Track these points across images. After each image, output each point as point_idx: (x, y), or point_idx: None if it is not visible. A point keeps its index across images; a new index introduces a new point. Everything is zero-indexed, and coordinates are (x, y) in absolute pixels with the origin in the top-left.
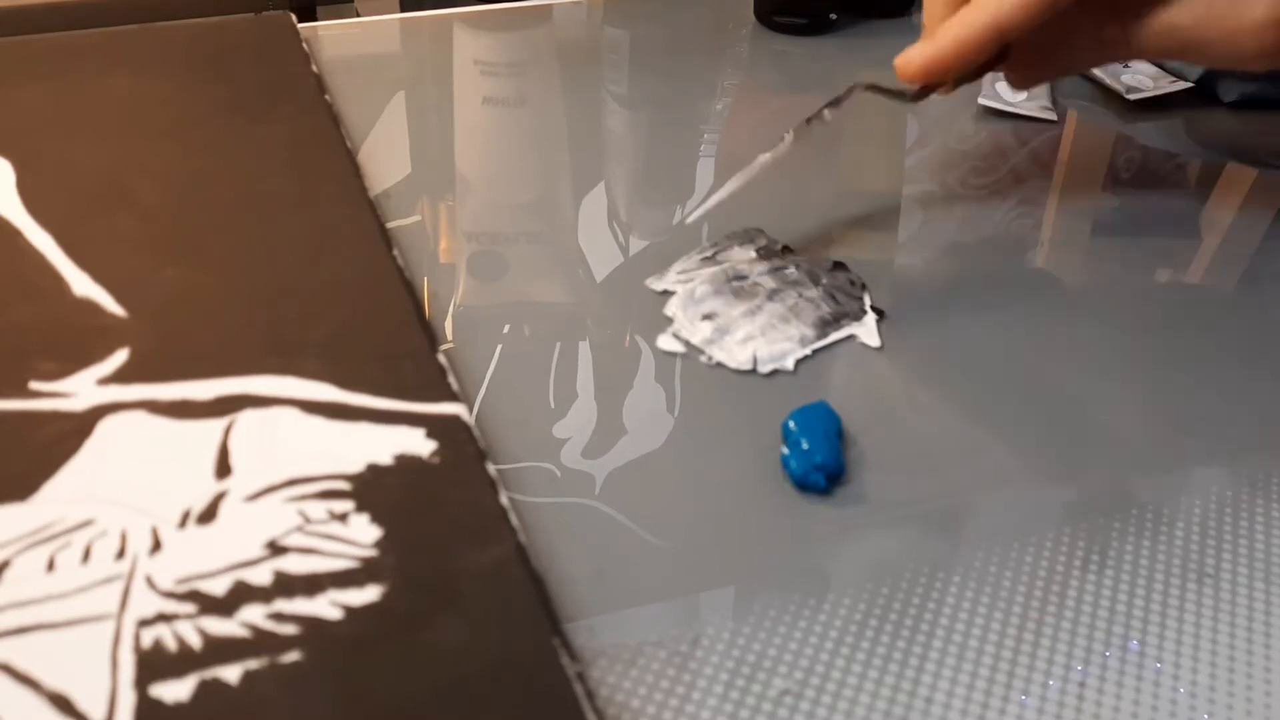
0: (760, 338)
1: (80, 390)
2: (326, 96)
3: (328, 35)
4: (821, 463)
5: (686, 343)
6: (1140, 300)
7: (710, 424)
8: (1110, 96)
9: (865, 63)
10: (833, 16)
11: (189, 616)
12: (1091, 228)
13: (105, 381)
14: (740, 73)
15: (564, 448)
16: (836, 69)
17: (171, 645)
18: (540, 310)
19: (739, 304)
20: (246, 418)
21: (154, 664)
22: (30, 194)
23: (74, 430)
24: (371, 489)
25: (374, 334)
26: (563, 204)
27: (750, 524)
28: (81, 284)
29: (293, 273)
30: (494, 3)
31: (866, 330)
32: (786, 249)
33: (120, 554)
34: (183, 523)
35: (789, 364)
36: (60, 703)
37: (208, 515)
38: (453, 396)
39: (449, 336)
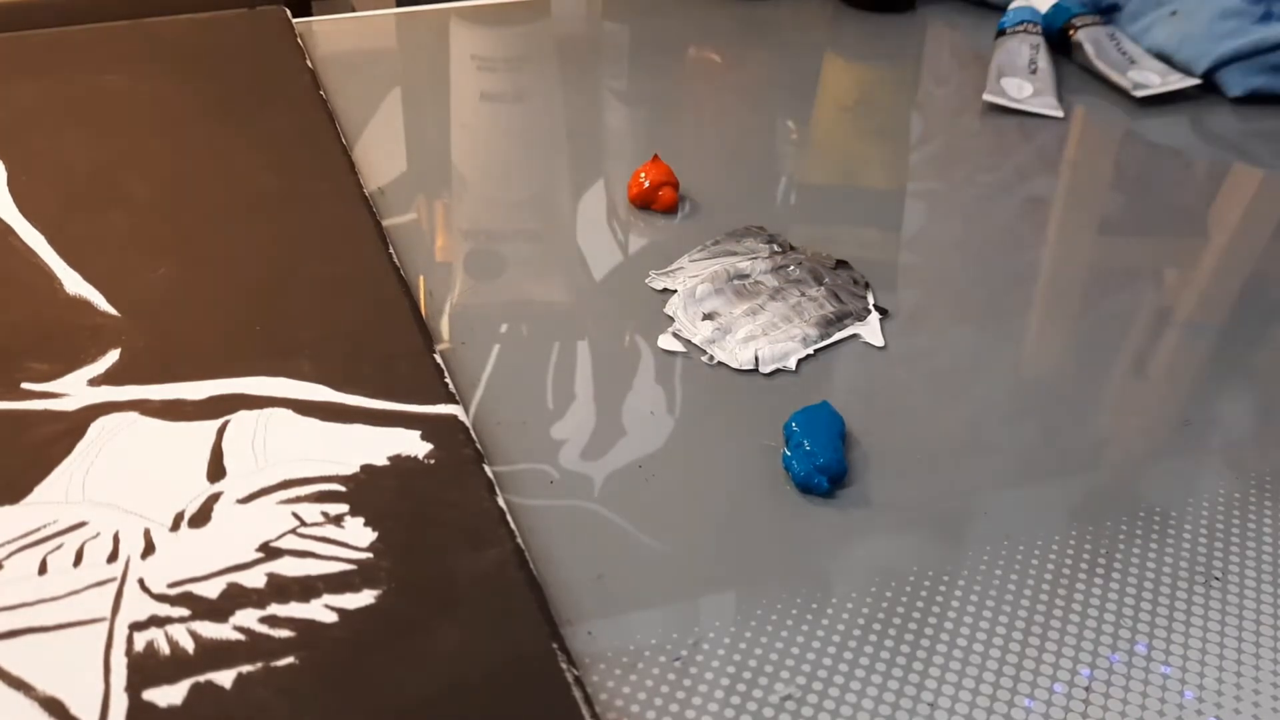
0: (762, 337)
1: (72, 391)
2: (321, 92)
3: (322, 30)
4: (824, 464)
5: (687, 342)
6: (1147, 299)
7: (711, 425)
8: (1117, 93)
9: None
10: None
11: (182, 620)
12: (1098, 225)
13: (97, 382)
14: (741, 67)
15: (562, 449)
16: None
17: (164, 649)
18: (539, 310)
19: (740, 303)
20: (240, 419)
21: (147, 668)
22: (21, 191)
23: (66, 431)
24: (366, 491)
25: (369, 334)
26: (561, 202)
27: (751, 527)
28: (73, 283)
29: (287, 272)
30: None
31: (870, 330)
32: (789, 247)
33: (113, 557)
34: (175, 525)
35: (791, 364)
36: (53, 707)
37: (201, 518)
38: (449, 397)
39: (446, 336)
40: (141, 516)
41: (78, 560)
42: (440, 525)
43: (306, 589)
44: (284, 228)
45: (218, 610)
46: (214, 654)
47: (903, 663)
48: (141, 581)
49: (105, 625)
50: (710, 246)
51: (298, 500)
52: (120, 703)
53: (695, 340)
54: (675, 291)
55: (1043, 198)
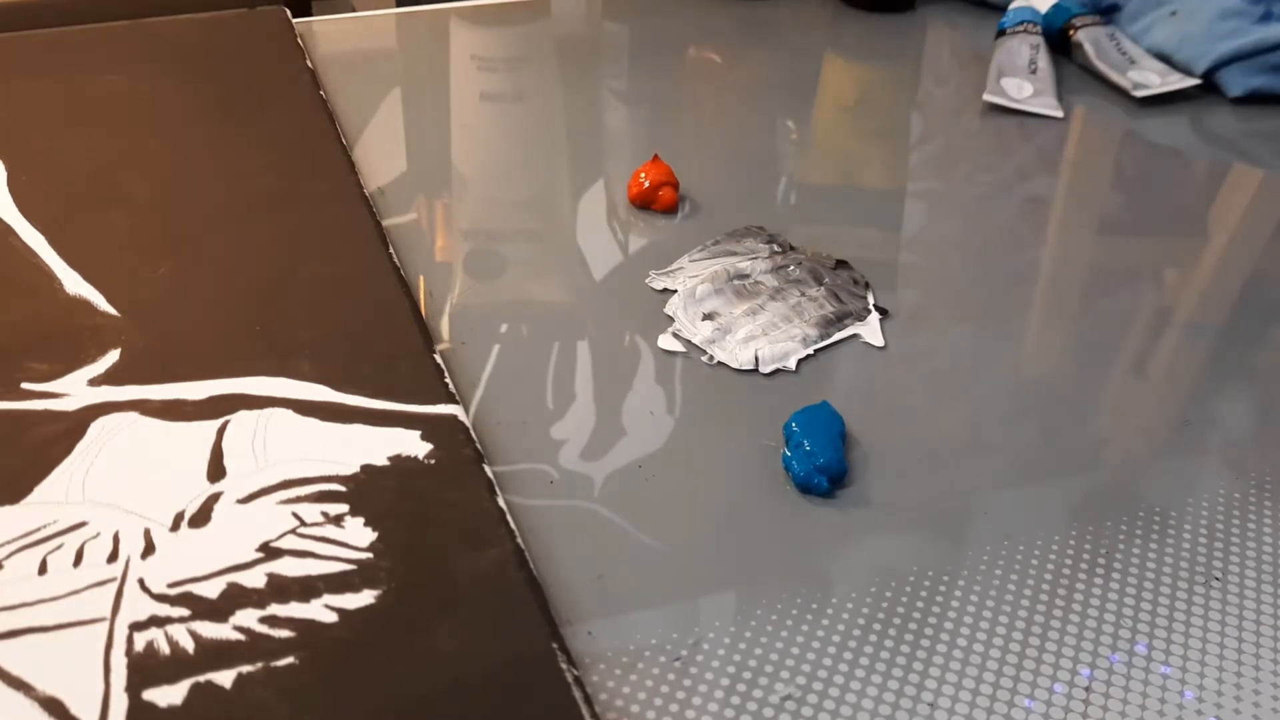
0: (762, 337)
1: (72, 391)
2: (321, 92)
3: (323, 30)
4: (824, 464)
5: (687, 342)
6: (1148, 299)
7: (711, 425)
8: (1117, 93)
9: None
10: None
11: (182, 620)
12: (1098, 225)
13: (97, 382)
14: (741, 67)
15: (562, 449)
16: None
17: (164, 649)
18: (538, 310)
19: (740, 303)
20: (240, 419)
21: (147, 668)
22: (21, 191)
23: (66, 431)
24: (366, 491)
25: (369, 334)
26: (561, 202)
27: (751, 527)
28: (73, 283)
29: (287, 272)
30: None
31: (870, 330)
32: (789, 247)
33: (113, 557)
34: (175, 525)
35: (791, 364)
36: (53, 707)
37: (201, 518)
38: (449, 397)
39: (446, 336)
40: (141, 516)
41: (78, 560)
42: (440, 525)
43: (306, 589)
44: (284, 228)
45: (218, 610)
46: (214, 654)
47: (903, 663)
48: (141, 581)
49: (105, 625)
50: (710, 246)
51: (298, 500)
52: (120, 703)
53: (695, 340)
54: (675, 291)
55: (1043, 198)
